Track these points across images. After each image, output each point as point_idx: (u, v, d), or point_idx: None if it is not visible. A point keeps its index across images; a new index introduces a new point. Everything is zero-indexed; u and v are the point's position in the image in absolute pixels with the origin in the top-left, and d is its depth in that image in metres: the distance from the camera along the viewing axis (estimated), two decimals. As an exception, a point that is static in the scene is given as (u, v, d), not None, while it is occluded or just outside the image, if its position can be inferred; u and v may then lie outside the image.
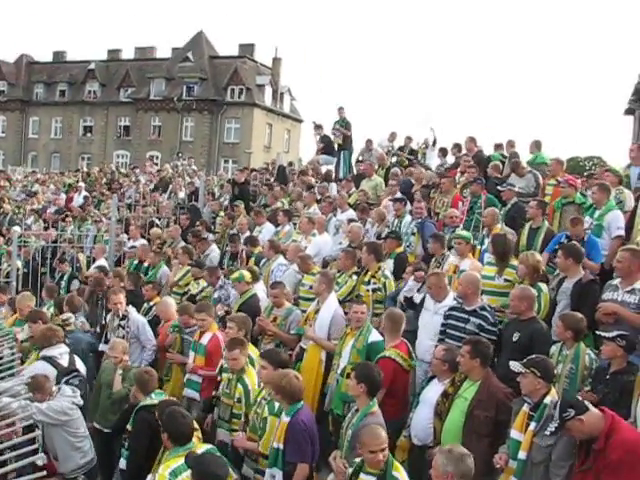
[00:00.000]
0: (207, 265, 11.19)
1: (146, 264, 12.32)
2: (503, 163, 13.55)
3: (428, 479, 4.82)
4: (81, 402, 6.88)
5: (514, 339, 6.72)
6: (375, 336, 7.45)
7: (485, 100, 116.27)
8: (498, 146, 15.33)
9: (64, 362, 7.62)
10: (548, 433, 5.07)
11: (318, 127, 18.86)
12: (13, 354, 6.95)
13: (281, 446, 5.89)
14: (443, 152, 16.65)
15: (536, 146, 13.78)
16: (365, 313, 7.60)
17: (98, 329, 9.93)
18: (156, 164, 29.02)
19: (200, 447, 5.78)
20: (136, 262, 12.64)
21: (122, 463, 6.74)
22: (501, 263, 8.16)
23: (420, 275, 8.49)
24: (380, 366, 6.63)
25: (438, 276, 7.87)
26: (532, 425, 5.35)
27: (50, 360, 7.47)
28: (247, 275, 9.40)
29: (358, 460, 5.34)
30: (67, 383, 7.17)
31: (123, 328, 9.06)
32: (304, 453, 5.91)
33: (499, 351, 6.80)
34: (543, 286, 7.68)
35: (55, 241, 14.98)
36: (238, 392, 6.99)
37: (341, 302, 8.63)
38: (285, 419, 5.97)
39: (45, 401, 6.68)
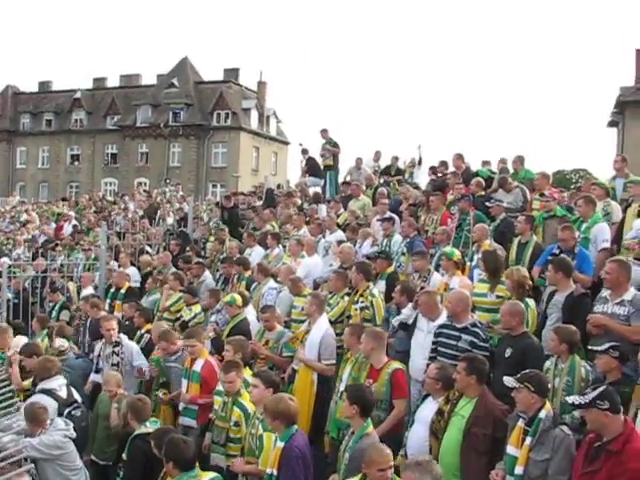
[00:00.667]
0: (207, 289, 11.17)
1: (122, 291, 12.30)
2: (492, 179, 13.63)
3: None
4: (74, 435, 6.80)
5: (506, 355, 6.72)
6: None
7: (470, 116, 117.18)
8: (485, 162, 15.45)
9: (63, 394, 7.56)
10: (573, 401, 5.05)
11: (304, 151, 18.94)
12: (11, 389, 6.88)
13: (275, 472, 5.85)
14: (433, 170, 16.69)
15: (519, 162, 13.91)
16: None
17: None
18: (145, 191, 28.99)
19: (205, 476, 5.80)
20: (113, 289, 12.63)
21: None
22: (493, 280, 8.18)
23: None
24: (399, 380, 6.81)
25: (429, 295, 7.86)
26: (528, 440, 5.35)
27: (49, 393, 7.36)
28: (238, 299, 9.41)
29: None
30: (69, 415, 7.15)
31: (117, 355, 9.01)
32: (298, 478, 5.87)
33: (492, 367, 6.80)
34: (530, 301, 7.70)
35: (45, 271, 14.93)
36: (235, 415, 6.98)
37: (332, 323, 8.62)
38: (280, 444, 5.93)
39: (39, 433, 6.64)
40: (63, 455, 6.68)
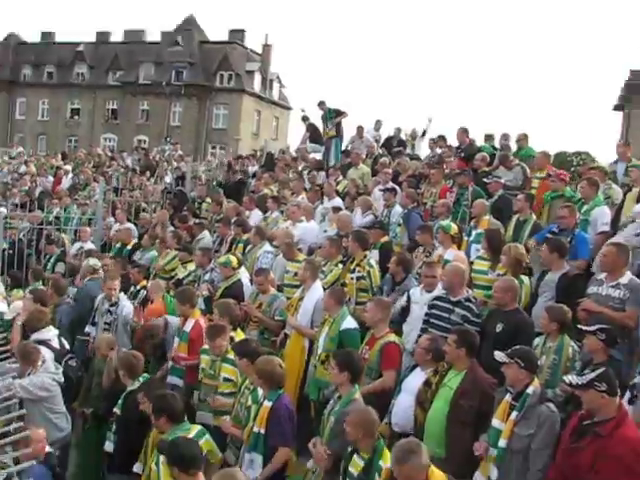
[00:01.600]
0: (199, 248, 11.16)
1: (129, 247, 12.37)
2: (494, 155, 13.58)
3: None
4: (62, 379, 6.95)
5: (497, 330, 6.76)
6: (349, 323, 7.46)
7: (475, 92, 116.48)
8: (489, 137, 15.32)
9: (56, 345, 7.62)
10: (570, 381, 5.07)
11: (304, 118, 18.78)
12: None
13: (262, 430, 5.91)
14: (432, 144, 16.64)
15: (523, 139, 13.84)
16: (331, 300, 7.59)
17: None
18: (143, 149, 28.82)
19: (194, 429, 5.90)
20: (118, 245, 12.70)
21: (108, 446, 6.74)
22: (494, 258, 8.18)
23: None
24: (389, 351, 6.81)
25: (431, 266, 7.87)
26: (514, 414, 5.40)
27: (44, 343, 7.42)
28: (234, 260, 9.42)
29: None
30: (66, 364, 7.21)
31: (111, 314, 9.09)
32: (287, 436, 5.96)
33: (482, 341, 6.84)
34: (525, 278, 7.77)
35: (41, 223, 14.90)
36: (225, 371, 7.03)
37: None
38: (267, 404, 5.99)
39: (28, 373, 6.71)
40: (49, 398, 6.81)
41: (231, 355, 6.99)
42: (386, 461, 5.07)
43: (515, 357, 5.50)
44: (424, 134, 18.58)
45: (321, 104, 17.54)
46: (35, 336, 7.51)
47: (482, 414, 5.80)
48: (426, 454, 4.67)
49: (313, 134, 18.41)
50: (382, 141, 18.63)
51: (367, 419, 5.26)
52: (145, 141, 49.55)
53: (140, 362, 6.92)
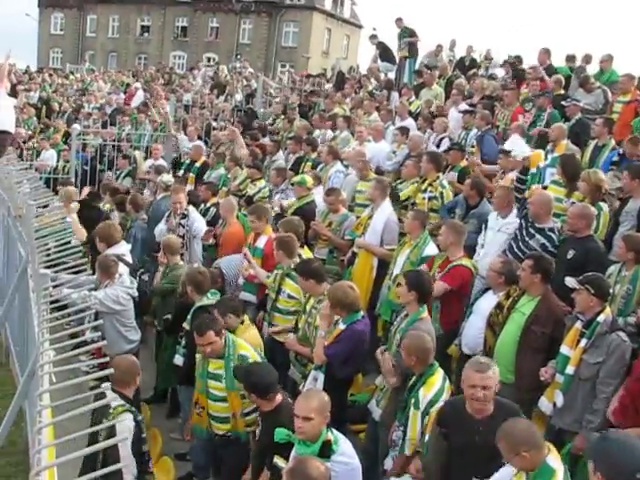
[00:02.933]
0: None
1: (198, 164, 12.41)
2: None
3: None
4: (136, 294, 7.13)
5: (568, 257, 6.62)
6: (431, 249, 7.38)
7: (558, 10, 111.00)
8: (570, 58, 14.55)
9: (129, 259, 7.79)
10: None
11: (373, 37, 18.36)
12: (80, 249, 7.09)
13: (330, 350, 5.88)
14: (507, 64, 16.00)
15: (607, 60, 13.17)
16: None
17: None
18: (213, 65, 28.73)
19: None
20: (188, 162, 12.78)
21: (178, 359, 6.88)
22: (570, 185, 7.89)
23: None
24: (458, 274, 6.74)
25: (506, 190, 7.70)
26: (583, 342, 5.35)
27: (119, 258, 7.47)
28: (309, 180, 9.37)
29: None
30: (139, 278, 7.40)
31: (183, 227, 9.10)
32: (339, 356, 5.86)
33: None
34: (604, 205, 7.46)
35: (113, 140, 15.16)
36: (288, 287, 7.05)
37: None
38: (341, 326, 5.93)
39: (105, 285, 6.93)
40: (122, 311, 7.00)
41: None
42: (428, 389, 5.13)
43: (586, 283, 5.41)
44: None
45: (398, 20, 17.14)
46: (111, 250, 7.57)
47: (554, 341, 5.73)
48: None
49: (383, 53, 18.04)
50: (455, 62, 18.06)
51: (420, 346, 5.25)
52: (214, 59, 49.36)
53: (207, 278, 6.88)
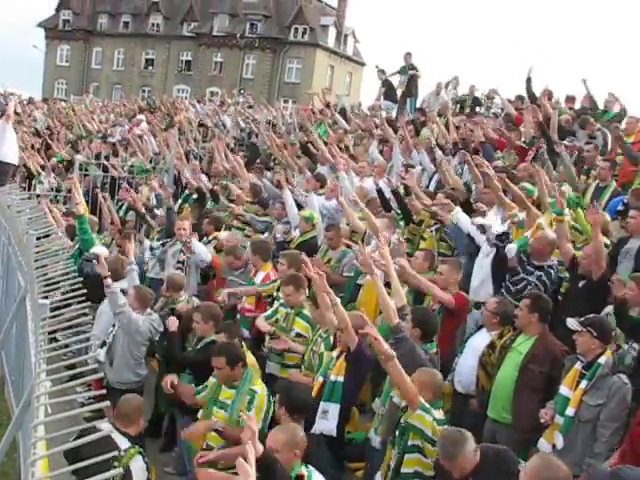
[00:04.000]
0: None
1: (195, 196, 12.30)
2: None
3: (466, 428, 4.82)
4: (157, 334, 7.27)
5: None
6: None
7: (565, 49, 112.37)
8: (570, 98, 14.50)
9: None
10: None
11: (381, 72, 18.57)
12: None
13: (340, 379, 5.82)
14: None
15: (612, 101, 13.20)
16: None
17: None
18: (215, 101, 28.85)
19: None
20: (186, 193, 12.81)
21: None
22: None
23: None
24: (457, 301, 6.75)
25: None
26: (583, 383, 5.31)
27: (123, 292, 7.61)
28: (316, 217, 9.37)
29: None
30: None
31: (184, 253, 9.13)
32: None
33: (556, 308, 6.68)
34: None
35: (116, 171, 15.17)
36: (298, 326, 6.97)
37: None
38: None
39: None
40: (138, 344, 7.20)
41: (306, 311, 6.94)
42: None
43: (588, 325, 5.38)
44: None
45: (407, 55, 17.42)
46: (116, 285, 7.52)
47: (552, 380, 5.71)
48: (472, 439, 4.59)
49: (388, 91, 18.22)
50: (456, 100, 18.17)
51: (435, 383, 5.26)
52: (218, 93, 49.79)
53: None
